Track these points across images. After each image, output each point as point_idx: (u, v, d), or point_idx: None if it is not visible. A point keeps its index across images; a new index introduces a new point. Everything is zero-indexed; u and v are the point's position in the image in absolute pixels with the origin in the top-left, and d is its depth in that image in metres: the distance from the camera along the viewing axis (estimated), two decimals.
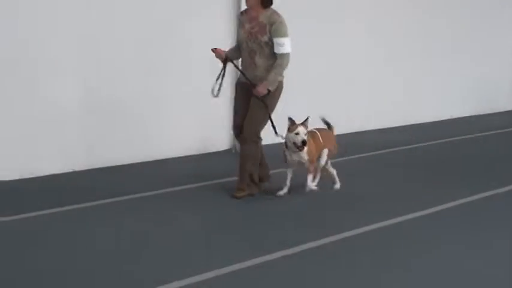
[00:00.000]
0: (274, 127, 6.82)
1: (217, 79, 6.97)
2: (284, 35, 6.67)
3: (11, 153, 7.36)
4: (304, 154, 6.89)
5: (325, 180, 7.36)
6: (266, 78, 6.71)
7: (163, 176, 7.79)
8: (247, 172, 6.99)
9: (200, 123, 8.96)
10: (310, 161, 6.96)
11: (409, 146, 9.89)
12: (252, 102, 6.85)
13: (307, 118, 6.82)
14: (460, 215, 6.67)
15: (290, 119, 6.82)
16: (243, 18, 6.88)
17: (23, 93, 7.42)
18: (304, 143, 6.74)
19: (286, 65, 6.75)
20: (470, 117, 12.83)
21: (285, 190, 7.10)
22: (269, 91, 6.73)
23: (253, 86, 6.76)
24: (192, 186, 7.41)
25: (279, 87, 6.87)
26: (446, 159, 9.17)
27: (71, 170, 7.80)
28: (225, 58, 6.95)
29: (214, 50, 6.94)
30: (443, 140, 10.44)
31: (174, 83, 8.62)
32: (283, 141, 6.92)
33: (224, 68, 6.98)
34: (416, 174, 8.30)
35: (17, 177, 7.40)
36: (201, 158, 8.80)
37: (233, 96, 7.26)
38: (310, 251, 5.56)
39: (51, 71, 7.59)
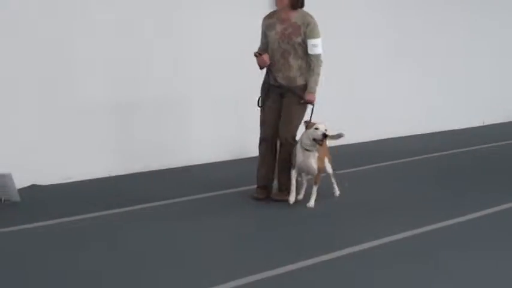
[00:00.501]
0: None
1: (264, 89, 7.02)
2: (318, 36, 6.75)
3: (49, 158, 7.48)
4: (314, 161, 6.75)
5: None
6: (309, 84, 6.79)
7: (199, 181, 7.83)
8: (286, 175, 6.93)
9: (233, 128, 9.01)
10: (319, 169, 6.84)
11: (441, 153, 9.87)
12: (287, 103, 6.87)
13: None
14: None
15: (305, 121, 6.82)
16: (272, 20, 6.89)
17: (61, 99, 7.56)
18: (325, 136, 6.61)
19: (320, 65, 6.81)
20: (504, 124, 12.82)
21: (292, 198, 6.84)
22: (291, 87, 6.83)
23: (292, 91, 6.82)
24: (228, 191, 7.44)
25: None
26: (478, 166, 9.15)
27: (107, 175, 7.90)
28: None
29: (258, 56, 6.90)
30: (477, 147, 10.44)
31: (206, 86, 8.69)
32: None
33: (268, 75, 7.00)
34: (452, 180, 8.28)
35: (56, 182, 7.51)
36: (235, 164, 8.84)
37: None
38: (349, 255, 5.52)
39: (84, 77, 7.73)
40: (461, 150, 10.12)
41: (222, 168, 8.63)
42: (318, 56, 6.77)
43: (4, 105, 7.14)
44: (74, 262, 5.25)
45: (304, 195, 7.04)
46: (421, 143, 10.73)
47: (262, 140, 7.08)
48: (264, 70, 7.00)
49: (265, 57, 6.83)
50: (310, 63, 6.79)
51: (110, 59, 7.87)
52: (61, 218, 6.31)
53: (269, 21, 6.91)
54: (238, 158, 9.02)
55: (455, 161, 9.49)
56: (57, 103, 7.52)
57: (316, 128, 6.63)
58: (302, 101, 6.81)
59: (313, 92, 6.82)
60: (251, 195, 7.11)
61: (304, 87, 6.84)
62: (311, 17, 6.78)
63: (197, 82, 8.64)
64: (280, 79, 6.86)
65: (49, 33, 7.40)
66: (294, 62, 6.81)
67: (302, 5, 6.84)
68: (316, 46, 6.74)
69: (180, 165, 8.49)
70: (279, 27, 6.81)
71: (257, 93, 7.09)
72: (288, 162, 6.88)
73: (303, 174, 7.00)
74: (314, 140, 6.65)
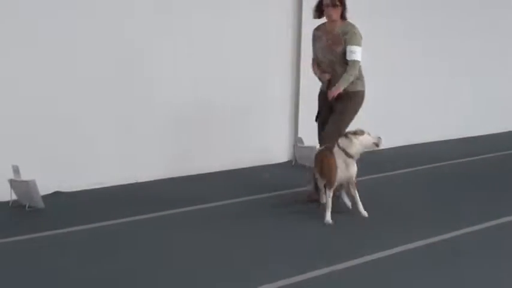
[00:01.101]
0: None
1: (320, 99, 7.21)
2: (357, 43, 6.92)
3: (73, 165, 7.52)
4: (355, 167, 6.63)
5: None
6: (340, 80, 6.93)
7: (234, 185, 7.98)
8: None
9: (260, 134, 9.02)
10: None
11: (472, 158, 9.81)
12: (337, 110, 7.01)
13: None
14: None
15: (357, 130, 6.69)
16: (319, 32, 7.16)
17: (76, 108, 7.58)
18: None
19: (356, 71, 6.93)
20: None
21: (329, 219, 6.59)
22: (341, 94, 6.94)
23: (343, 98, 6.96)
24: (261, 196, 7.51)
25: (361, 97, 7.09)
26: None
27: (133, 181, 7.93)
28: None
29: (317, 71, 7.16)
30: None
31: (233, 92, 8.70)
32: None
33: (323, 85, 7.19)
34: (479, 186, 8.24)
35: (80, 188, 7.54)
36: (262, 170, 8.83)
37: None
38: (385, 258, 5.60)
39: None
40: (489, 155, 10.05)
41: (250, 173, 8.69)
42: (354, 62, 6.93)
43: (25, 111, 7.16)
44: (98, 269, 5.27)
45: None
46: (452, 148, 10.67)
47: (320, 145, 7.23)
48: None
49: (327, 75, 7.07)
50: (346, 68, 6.95)
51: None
52: (84, 225, 6.34)
53: (317, 33, 7.20)
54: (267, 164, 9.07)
55: (484, 166, 9.42)
56: (77, 114, 7.55)
57: (368, 134, 6.63)
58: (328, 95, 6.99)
59: (339, 88, 6.92)
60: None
61: (353, 94, 7.00)
62: (352, 26, 6.99)
63: (228, 89, 8.65)
64: (330, 87, 7.00)
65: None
66: (341, 70, 6.98)
67: (345, 18, 7.05)
68: (353, 52, 6.91)
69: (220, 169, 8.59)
70: (324, 39, 7.08)
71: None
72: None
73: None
74: (374, 144, 6.62)
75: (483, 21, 11.60)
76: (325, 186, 6.76)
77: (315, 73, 7.20)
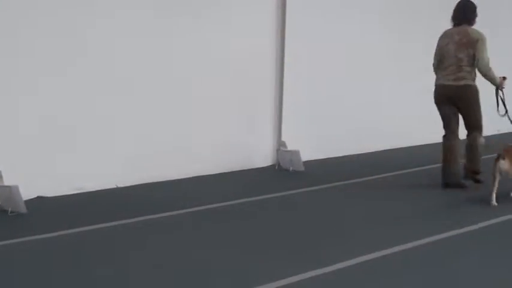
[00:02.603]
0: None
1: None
2: (485, 48, 7.94)
3: (55, 170, 7.40)
4: None
5: None
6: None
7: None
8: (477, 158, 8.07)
9: (244, 139, 8.96)
10: None
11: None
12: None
13: None
14: None
15: None
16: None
17: (60, 116, 7.50)
18: None
19: (490, 70, 8.02)
20: None
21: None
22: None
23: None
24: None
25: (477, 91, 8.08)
26: None
27: (114, 186, 7.84)
28: None
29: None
30: None
31: (216, 97, 8.64)
32: None
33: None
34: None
35: (62, 193, 7.42)
36: (245, 174, 8.80)
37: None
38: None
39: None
40: None
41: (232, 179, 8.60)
42: (487, 62, 7.97)
43: (7, 118, 7.07)
44: (80, 274, 5.20)
45: None
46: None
47: (450, 132, 8.14)
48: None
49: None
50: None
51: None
52: (67, 230, 6.26)
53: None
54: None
55: None
56: (59, 119, 7.46)
57: None
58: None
59: (497, 82, 8.17)
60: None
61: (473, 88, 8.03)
62: (482, 32, 8.02)
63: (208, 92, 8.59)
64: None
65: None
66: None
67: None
68: (485, 51, 7.94)
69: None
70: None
71: None
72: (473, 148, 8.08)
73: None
74: None
75: None
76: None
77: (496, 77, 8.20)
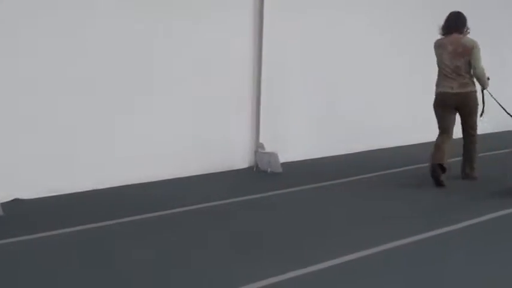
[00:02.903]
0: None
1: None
2: (480, 56, 8.35)
3: (32, 172, 7.34)
4: None
5: None
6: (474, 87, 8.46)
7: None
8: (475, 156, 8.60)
9: (221, 141, 8.93)
10: None
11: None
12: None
13: None
14: None
15: None
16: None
17: (39, 116, 7.45)
18: None
19: (484, 75, 8.46)
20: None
21: None
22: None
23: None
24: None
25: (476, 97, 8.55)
26: None
27: (92, 188, 7.77)
28: None
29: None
30: None
31: (194, 98, 8.61)
32: None
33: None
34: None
35: (39, 196, 7.36)
36: (223, 176, 8.77)
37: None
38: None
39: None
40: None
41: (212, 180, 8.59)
42: (482, 69, 8.41)
43: None
44: (57, 277, 5.18)
45: None
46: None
47: (441, 133, 8.50)
48: None
49: None
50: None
51: None
52: (44, 232, 6.19)
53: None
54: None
55: None
56: (38, 120, 7.40)
57: None
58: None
59: (487, 85, 8.58)
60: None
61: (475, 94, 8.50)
62: (475, 41, 8.38)
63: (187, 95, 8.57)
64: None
65: None
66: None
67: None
68: (479, 60, 8.36)
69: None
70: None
71: None
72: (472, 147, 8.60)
73: None
74: None
75: None
76: None
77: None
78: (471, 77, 8.42)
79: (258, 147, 9.11)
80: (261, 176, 8.79)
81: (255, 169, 9.09)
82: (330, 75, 10.08)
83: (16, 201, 7.17)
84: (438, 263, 5.63)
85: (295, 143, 9.69)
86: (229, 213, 7.16)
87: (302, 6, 9.51)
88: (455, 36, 8.40)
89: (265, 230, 6.54)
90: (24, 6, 7.18)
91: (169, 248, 5.91)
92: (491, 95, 8.60)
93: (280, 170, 8.90)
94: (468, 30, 8.50)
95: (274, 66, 9.23)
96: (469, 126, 8.58)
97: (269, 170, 8.92)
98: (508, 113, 8.75)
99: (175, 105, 8.44)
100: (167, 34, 8.31)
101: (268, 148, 9.03)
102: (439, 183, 8.14)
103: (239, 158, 9.14)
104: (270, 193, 7.90)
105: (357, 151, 10.42)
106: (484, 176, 8.57)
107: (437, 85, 8.55)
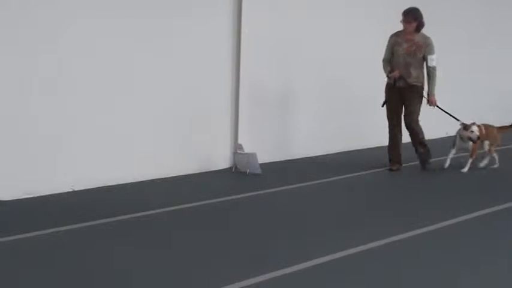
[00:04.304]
0: (453, 116, 9.22)
1: (387, 91, 9.20)
2: (434, 52, 8.99)
3: (11, 173, 7.32)
4: (470, 144, 9.15)
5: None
6: (429, 90, 9.10)
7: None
8: (421, 142, 9.24)
9: (200, 141, 8.93)
10: (473, 149, 9.23)
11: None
12: (409, 100, 9.07)
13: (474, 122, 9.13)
14: None
15: (462, 123, 9.14)
16: (399, 39, 9.06)
17: (20, 116, 7.41)
18: (478, 138, 9.09)
19: (436, 74, 9.03)
20: None
21: (448, 164, 9.31)
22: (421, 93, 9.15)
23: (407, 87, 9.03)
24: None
25: (422, 90, 9.18)
26: None
27: (70, 190, 7.76)
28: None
29: (393, 73, 9.01)
30: None
31: (173, 99, 8.61)
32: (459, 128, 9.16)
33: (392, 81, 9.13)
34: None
35: (18, 197, 7.34)
36: (202, 177, 8.77)
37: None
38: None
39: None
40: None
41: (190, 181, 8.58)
42: (434, 67, 9.03)
43: None
44: (33, 278, 5.17)
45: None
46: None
47: (392, 127, 9.27)
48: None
49: (396, 72, 9.00)
50: (428, 73, 9.07)
51: None
52: (21, 234, 6.18)
53: (396, 40, 9.07)
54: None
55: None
56: (18, 121, 7.38)
57: (472, 131, 9.06)
58: (428, 104, 9.17)
59: (433, 95, 9.11)
60: (387, 168, 9.28)
61: (419, 88, 9.08)
62: (429, 37, 9.01)
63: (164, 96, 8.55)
64: (402, 84, 9.01)
65: None
66: (414, 72, 9.01)
67: (420, 30, 9.01)
68: (433, 60, 8.98)
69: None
70: (404, 45, 9.01)
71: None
72: (418, 137, 9.22)
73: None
74: (469, 138, 9.10)
75: None
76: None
77: (385, 70, 9.11)
78: None
79: (237, 148, 9.10)
80: (240, 177, 8.79)
81: (233, 170, 9.09)
82: (314, 73, 10.17)
83: None
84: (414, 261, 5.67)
85: (275, 143, 9.72)
86: (203, 214, 7.15)
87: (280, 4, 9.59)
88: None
89: (241, 231, 6.55)
90: None
91: (144, 249, 5.91)
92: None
93: (259, 171, 8.89)
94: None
95: (254, 66, 9.25)
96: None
97: (248, 171, 8.91)
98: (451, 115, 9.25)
99: (154, 105, 8.44)
100: (148, 34, 8.30)
101: (247, 149, 9.01)
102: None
103: (218, 159, 9.15)
104: (248, 194, 7.91)
105: (337, 151, 10.50)
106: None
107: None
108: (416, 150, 9.36)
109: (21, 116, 7.38)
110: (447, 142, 9.76)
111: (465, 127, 9.15)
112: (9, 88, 7.28)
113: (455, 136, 9.37)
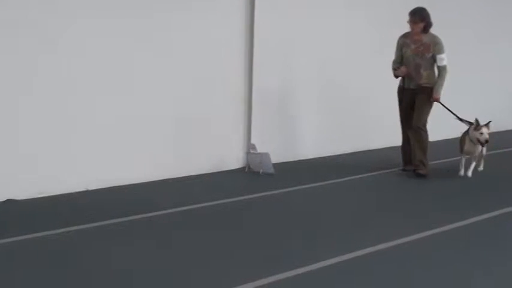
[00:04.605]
0: (454, 114, 9.07)
1: (399, 93, 9.10)
2: (444, 51, 8.83)
3: (24, 173, 7.39)
4: (479, 147, 8.82)
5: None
6: (435, 87, 8.82)
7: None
8: (420, 154, 8.91)
9: (213, 141, 8.97)
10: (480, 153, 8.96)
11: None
12: (419, 101, 8.87)
13: (490, 122, 8.86)
14: None
15: (476, 120, 8.81)
16: (407, 40, 8.96)
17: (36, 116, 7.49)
18: (487, 141, 8.75)
19: (446, 73, 8.85)
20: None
21: (462, 172, 8.98)
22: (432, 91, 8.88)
23: (418, 89, 8.87)
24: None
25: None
26: None
27: (84, 189, 7.83)
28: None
29: (397, 69, 8.94)
30: None
31: (184, 99, 8.65)
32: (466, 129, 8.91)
33: (403, 82, 9.05)
34: None
35: (32, 196, 7.40)
36: (215, 177, 8.81)
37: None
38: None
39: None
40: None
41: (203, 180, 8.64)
42: (444, 67, 8.84)
43: None
44: (48, 278, 5.20)
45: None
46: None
47: (403, 129, 9.16)
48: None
49: (404, 69, 8.89)
50: (438, 72, 8.87)
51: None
52: (37, 233, 6.22)
53: (404, 41, 8.97)
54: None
55: None
56: (22, 119, 7.42)
57: (481, 133, 8.73)
58: (431, 99, 8.82)
59: (439, 93, 8.84)
60: (399, 169, 9.24)
61: (430, 90, 8.83)
62: (438, 37, 8.85)
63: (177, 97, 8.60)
64: (413, 85, 8.89)
65: None
66: (425, 73, 8.87)
67: (428, 31, 8.84)
68: (443, 59, 8.82)
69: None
70: (412, 46, 8.89)
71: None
72: (421, 143, 8.89)
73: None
74: (478, 140, 8.78)
75: None
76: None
77: (394, 71, 8.99)
78: None
79: (250, 148, 9.14)
80: (252, 177, 8.82)
81: (246, 170, 9.13)
82: (324, 73, 10.16)
83: (9, 202, 7.20)
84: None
85: (288, 143, 9.76)
86: (217, 214, 7.19)
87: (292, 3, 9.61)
88: None
89: (252, 231, 6.58)
90: None
91: (158, 249, 5.96)
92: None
93: (272, 170, 8.92)
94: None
95: (267, 67, 9.29)
96: None
97: (261, 171, 8.94)
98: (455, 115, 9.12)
99: (167, 105, 8.47)
100: (153, 29, 8.30)
101: (260, 149, 9.06)
102: None
103: (231, 159, 9.19)
104: (261, 194, 7.94)
105: (349, 151, 10.53)
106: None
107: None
108: (413, 163, 9.06)
109: (34, 116, 7.43)
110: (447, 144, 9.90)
111: (476, 127, 8.80)
112: (24, 87, 7.34)
113: (464, 138, 9.04)
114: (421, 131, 8.90)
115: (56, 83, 7.56)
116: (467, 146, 8.91)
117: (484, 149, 9.00)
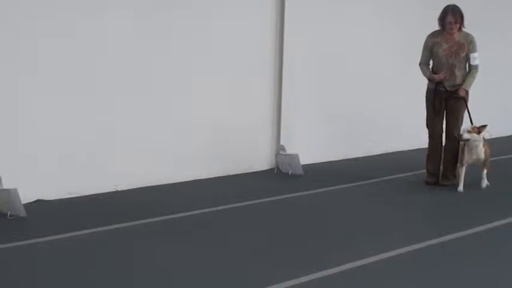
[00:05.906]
0: (471, 119, 8.34)
1: (429, 96, 8.52)
2: (477, 50, 8.40)
3: (54, 173, 7.40)
4: (482, 154, 8.15)
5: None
6: (465, 83, 8.35)
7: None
8: (452, 164, 8.46)
9: (243, 143, 8.97)
10: (486, 160, 8.27)
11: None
12: (454, 105, 8.41)
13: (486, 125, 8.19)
14: None
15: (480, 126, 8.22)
16: (437, 39, 8.44)
17: (65, 115, 7.50)
18: (465, 140, 8.11)
19: (477, 72, 8.41)
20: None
21: (461, 187, 8.24)
22: (467, 92, 8.40)
23: (452, 92, 8.37)
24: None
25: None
26: None
27: (113, 190, 7.83)
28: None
29: (429, 73, 8.44)
30: None
31: (216, 102, 8.66)
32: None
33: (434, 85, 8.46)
34: None
35: (62, 197, 7.43)
36: (244, 178, 8.81)
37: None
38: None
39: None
40: None
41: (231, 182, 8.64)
42: (477, 66, 8.43)
43: (6, 121, 7.06)
44: (79, 278, 5.21)
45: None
46: None
47: (432, 137, 8.60)
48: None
49: (443, 75, 8.36)
50: (469, 71, 8.41)
51: None
52: (67, 233, 6.24)
53: (435, 40, 8.46)
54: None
55: None
56: (55, 121, 7.44)
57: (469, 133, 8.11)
58: (460, 92, 8.34)
59: (466, 89, 8.36)
60: (423, 180, 8.63)
61: (466, 93, 8.39)
62: (471, 35, 8.43)
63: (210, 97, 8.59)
64: (448, 85, 8.36)
65: None
66: (459, 73, 8.39)
67: (461, 29, 8.41)
68: (476, 58, 8.40)
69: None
70: (445, 46, 8.39)
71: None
72: (456, 156, 8.41)
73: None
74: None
75: None
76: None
77: (426, 74, 8.48)
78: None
79: (279, 149, 9.11)
80: (282, 178, 8.80)
81: (276, 171, 9.10)
82: (352, 76, 10.13)
83: (38, 202, 7.22)
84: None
85: (317, 145, 9.70)
86: (247, 214, 7.19)
87: (322, 7, 9.60)
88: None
89: (282, 232, 6.56)
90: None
91: (188, 249, 5.94)
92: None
93: (301, 172, 8.90)
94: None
95: (296, 69, 9.25)
96: None
97: (290, 172, 8.92)
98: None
99: (197, 107, 8.49)
100: (189, 33, 8.33)
101: (289, 150, 9.02)
102: None
103: (261, 160, 9.18)
104: (290, 195, 7.92)
105: (377, 153, 10.47)
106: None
107: None
108: (443, 174, 8.57)
109: (64, 118, 7.46)
110: None
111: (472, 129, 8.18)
112: (48, 95, 7.37)
113: (463, 147, 8.35)
114: (458, 141, 8.31)
115: (97, 83, 7.67)
116: (466, 155, 8.20)
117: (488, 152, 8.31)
